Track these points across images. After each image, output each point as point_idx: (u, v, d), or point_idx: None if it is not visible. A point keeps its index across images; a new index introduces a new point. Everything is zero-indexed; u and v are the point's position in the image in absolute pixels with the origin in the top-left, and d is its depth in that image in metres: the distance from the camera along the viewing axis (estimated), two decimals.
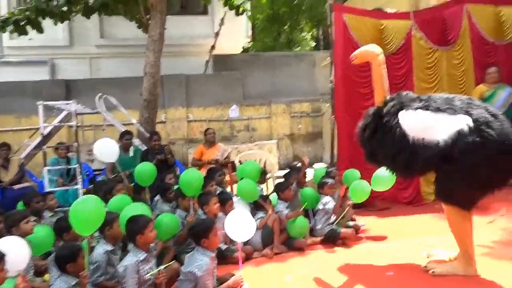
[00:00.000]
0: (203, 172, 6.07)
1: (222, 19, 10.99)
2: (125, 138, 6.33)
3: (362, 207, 5.45)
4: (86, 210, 3.02)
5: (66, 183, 6.06)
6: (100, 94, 6.86)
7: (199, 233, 3.04)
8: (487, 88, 5.98)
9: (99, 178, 6.24)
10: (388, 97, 3.59)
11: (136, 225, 2.94)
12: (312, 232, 4.49)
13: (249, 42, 13.15)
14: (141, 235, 2.93)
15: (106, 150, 4.66)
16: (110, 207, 3.86)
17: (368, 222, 4.80)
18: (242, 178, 4.75)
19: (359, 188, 4.59)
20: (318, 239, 4.32)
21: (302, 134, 10.79)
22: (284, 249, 4.08)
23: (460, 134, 3.01)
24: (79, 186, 5.64)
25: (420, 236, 4.24)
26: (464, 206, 3.18)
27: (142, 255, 2.94)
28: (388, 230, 4.66)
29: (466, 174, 3.04)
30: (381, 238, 4.39)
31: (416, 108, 3.23)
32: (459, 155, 2.98)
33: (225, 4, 9.17)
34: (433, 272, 3.23)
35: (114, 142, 4.95)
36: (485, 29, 6.41)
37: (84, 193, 5.35)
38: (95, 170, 6.80)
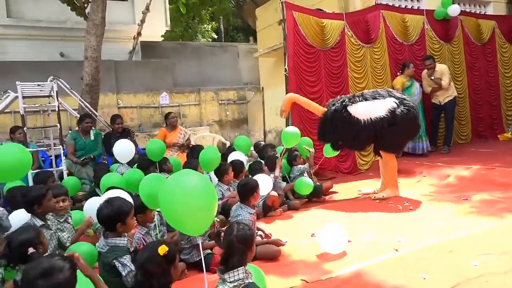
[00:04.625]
0: (170, 154, 6.48)
1: (148, 7, 11.00)
2: (85, 122, 6.32)
3: (315, 176, 6.52)
4: None
5: None
6: (51, 77, 6.61)
7: (248, 191, 3.59)
8: (406, 79, 7.51)
9: (61, 163, 6.11)
10: (328, 104, 5.15)
11: None
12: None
13: (166, 31, 13.26)
14: None
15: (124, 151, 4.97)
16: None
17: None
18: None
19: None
20: (303, 200, 5.17)
21: (229, 120, 11.53)
22: (285, 209, 4.86)
23: (394, 107, 4.76)
24: None
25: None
26: (399, 151, 5.50)
27: None
28: (348, 190, 5.76)
29: (402, 131, 4.87)
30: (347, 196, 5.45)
31: (357, 102, 4.85)
32: (399, 120, 4.75)
33: None
34: (383, 196, 4.95)
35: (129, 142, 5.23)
36: (395, 32, 7.99)
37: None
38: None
